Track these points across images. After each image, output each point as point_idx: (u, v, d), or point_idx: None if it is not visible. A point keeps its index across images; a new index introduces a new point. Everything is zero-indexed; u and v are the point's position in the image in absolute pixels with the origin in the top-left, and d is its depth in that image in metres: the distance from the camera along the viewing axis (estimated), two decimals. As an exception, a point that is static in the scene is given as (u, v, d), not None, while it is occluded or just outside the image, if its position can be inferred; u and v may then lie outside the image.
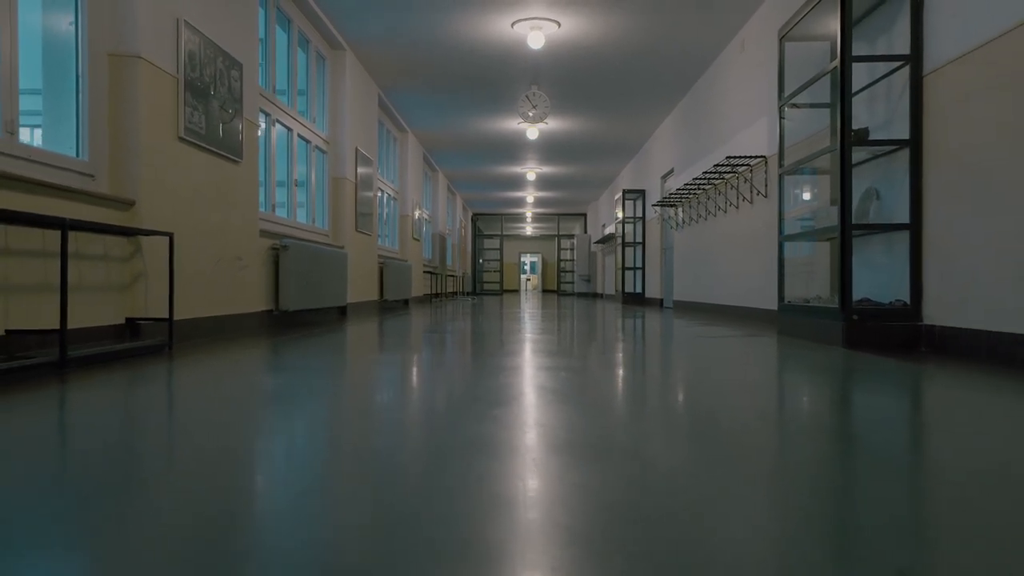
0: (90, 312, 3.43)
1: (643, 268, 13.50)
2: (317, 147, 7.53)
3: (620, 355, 3.60)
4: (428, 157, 14.43)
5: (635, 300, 13.66)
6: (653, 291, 12.67)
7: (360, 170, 8.49)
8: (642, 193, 13.43)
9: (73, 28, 3.57)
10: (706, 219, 8.72)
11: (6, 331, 2.85)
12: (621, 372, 2.89)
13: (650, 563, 0.90)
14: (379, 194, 10.63)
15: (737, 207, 7.43)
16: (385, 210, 11.27)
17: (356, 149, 8.31)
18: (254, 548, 0.95)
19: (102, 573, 0.87)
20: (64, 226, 2.85)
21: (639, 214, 13.69)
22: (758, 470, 1.35)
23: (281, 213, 6.59)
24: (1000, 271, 3.30)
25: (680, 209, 10.12)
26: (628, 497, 1.18)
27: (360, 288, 8.60)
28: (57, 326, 3.13)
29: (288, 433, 1.70)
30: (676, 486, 1.24)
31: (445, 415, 1.92)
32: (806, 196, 5.45)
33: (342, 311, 7.67)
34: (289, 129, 6.68)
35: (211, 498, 1.17)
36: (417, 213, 13.05)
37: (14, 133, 3.05)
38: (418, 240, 13.24)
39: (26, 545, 0.96)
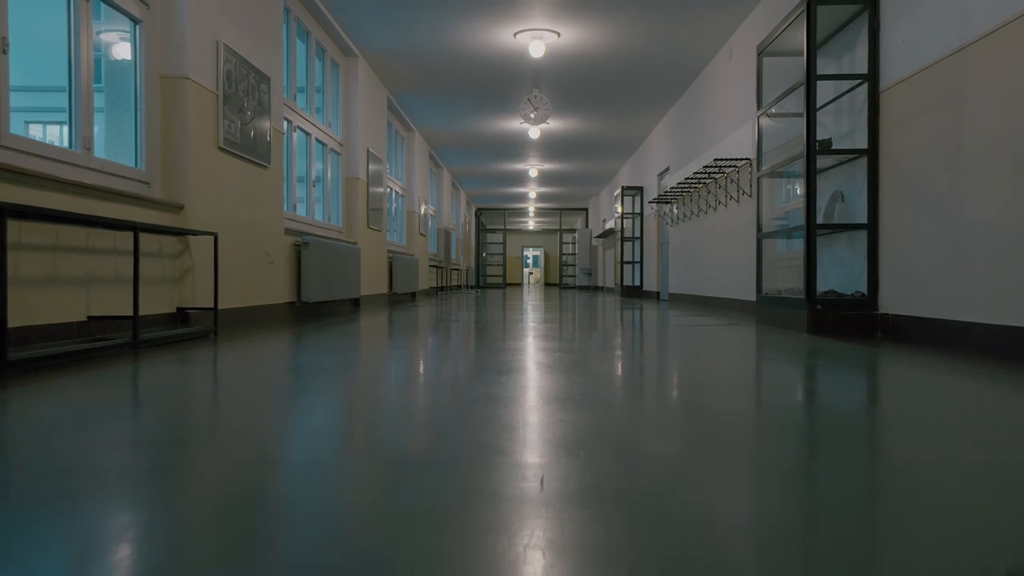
0: (149, 302, 3.96)
1: (641, 262, 14.00)
2: (332, 149, 8.05)
3: (608, 340, 4.12)
4: (434, 155, 14.93)
5: (633, 293, 14.17)
6: (651, 284, 13.18)
7: (371, 169, 9.00)
8: (640, 190, 13.93)
9: (131, 54, 4.08)
10: (698, 216, 9.22)
11: (88, 317, 3.38)
12: (606, 352, 3.41)
13: (604, 456, 1.42)
14: (387, 191, 11.13)
15: (726, 205, 7.93)
16: (393, 206, 11.79)
17: (367, 150, 8.82)
18: (344, 450, 1.47)
19: (204, 473, 1.39)
20: (136, 229, 3.37)
21: (637, 210, 14.18)
22: (697, 409, 1.87)
23: (300, 209, 7.10)
24: (937, 267, 3.81)
25: (675, 206, 10.63)
26: (595, 426, 1.70)
27: (371, 282, 9.13)
28: (127, 313, 3.66)
29: (339, 394, 2.22)
30: (632, 420, 1.76)
31: (461, 381, 2.44)
32: (781, 197, 5.95)
33: (355, 303, 8.19)
34: (307, 134, 7.19)
35: (302, 428, 1.70)
36: (423, 209, 13.56)
37: (90, 149, 3.57)
38: (424, 235, 13.77)
39: (150, 460, 1.48)
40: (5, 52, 2.94)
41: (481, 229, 27.92)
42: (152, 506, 1.09)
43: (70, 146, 3.50)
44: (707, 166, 7.65)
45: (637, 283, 14.26)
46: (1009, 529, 0.99)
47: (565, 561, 0.88)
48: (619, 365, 2.91)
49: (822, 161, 4.87)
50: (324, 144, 7.78)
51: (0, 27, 2.93)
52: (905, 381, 2.45)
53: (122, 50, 4.10)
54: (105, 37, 4.05)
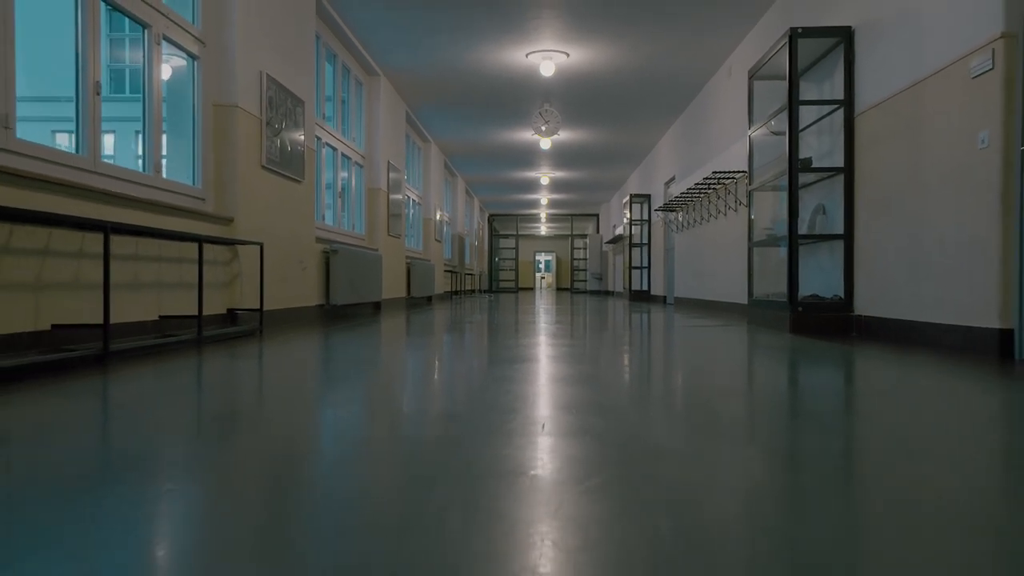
0: (206, 303, 4.51)
1: (649, 267, 14.49)
2: (356, 162, 8.62)
3: (608, 337, 4.63)
4: (449, 164, 15.49)
5: (641, 297, 14.66)
6: (658, 289, 13.67)
7: (391, 178, 9.56)
8: (648, 197, 14.42)
9: (189, 84, 4.65)
10: (701, 224, 9.72)
11: (159, 316, 3.93)
12: (605, 348, 3.92)
13: (590, 413, 1.94)
14: (405, 198, 11.69)
15: (725, 215, 8.42)
16: (410, 212, 12.35)
17: (388, 162, 9.38)
18: (399, 411, 2.00)
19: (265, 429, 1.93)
20: (200, 240, 3.92)
21: (645, 217, 14.67)
22: (665, 386, 2.39)
23: (327, 218, 7.66)
24: (900, 274, 4.30)
25: (680, 214, 11.12)
26: (588, 397, 2.22)
27: (391, 286, 9.68)
28: (188, 313, 4.21)
29: (386, 378, 2.75)
30: (616, 393, 2.28)
31: (482, 368, 2.96)
32: (770, 209, 6.44)
33: (376, 306, 8.74)
34: (334, 149, 7.76)
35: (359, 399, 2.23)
36: (438, 215, 14.12)
37: (159, 171, 4.13)
38: (440, 241, 14.32)
39: (226, 420, 2.02)
40: (99, 94, 3.50)
41: (494, 235, 28.46)
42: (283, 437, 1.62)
43: (143, 169, 4.06)
44: (707, 177, 8.15)
45: (645, 288, 14.74)
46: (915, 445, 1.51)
47: (556, 462, 1.40)
48: (614, 357, 3.43)
49: (806, 177, 5.37)
50: (349, 158, 8.34)
51: (94, 73, 3.49)
52: (826, 360, 2.95)
53: (181, 81, 4.66)
54: (167, 71, 4.61)
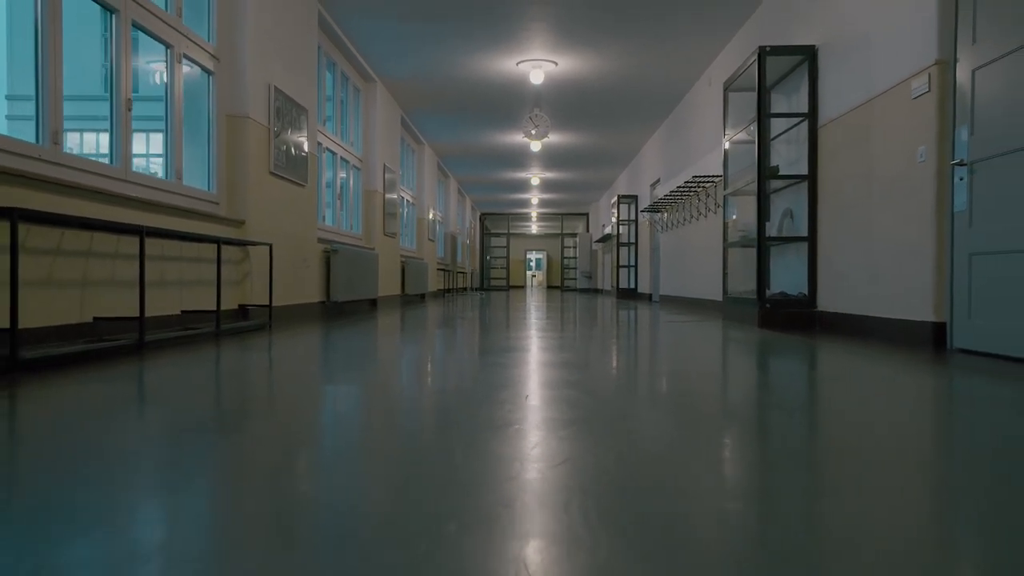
0: (221, 299, 4.89)
1: (636, 266, 14.92)
2: (353, 165, 9.00)
3: (592, 332, 5.04)
4: (442, 165, 15.88)
5: (628, 295, 15.09)
6: (644, 287, 14.10)
7: (386, 178, 9.95)
8: (635, 198, 14.85)
9: (202, 94, 5.02)
10: (683, 225, 10.15)
11: (181, 311, 4.31)
12: (589, 340, 4.34)
13: (566, 388, 2.35)
14: (400, 198, 12.07)
15: (705, 216, 8.85)
16: (405, 212, 12.73)
17: (384, 165, 9.76)
18: (410, 386, 2.40)
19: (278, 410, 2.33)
20: (219, 241, 4.31)
21: (632, 217, 15.10)
22: (632, 367, 2.80)
23: (328, 218, 8.04)
24: (856, 273, 4.73)
25: (665, 214, 11.55)
26: (566, 376, 2.63)
27: (386, 284, 10.06)
28: (206, 308, 4.59)
29: (393, 363, 3.15)
30: (590, 373, 2.69)
31: (476, 355, 3.37)
32: (743, 213, 6.87)
33: (373, 303, 9.13)
34: (334, 153, 8.14)
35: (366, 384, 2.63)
36: (432, 215, 14.50)
37: (180, 179, 4.51)
38: (432, 241, 14.70)
39: (241, 407, 2.42)
40: (130, 110, 3.88)
41: (485, 233, 28.84)
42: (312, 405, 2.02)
43: (166, 176, 4.44)
44: (688, 181, 8.58)
45: (632, 286, 15.17)
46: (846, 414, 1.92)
47: (536, 420, 1.81)
48: (593, 347, 3.84)
49: (776, 183, 5.79)
50: (347, 161, 8.72)
51: (126, 91, 3.87)
52: (777, 350, 3.38)
53: (192, 91, 5.03)
54: (185, 84, 4.99)
